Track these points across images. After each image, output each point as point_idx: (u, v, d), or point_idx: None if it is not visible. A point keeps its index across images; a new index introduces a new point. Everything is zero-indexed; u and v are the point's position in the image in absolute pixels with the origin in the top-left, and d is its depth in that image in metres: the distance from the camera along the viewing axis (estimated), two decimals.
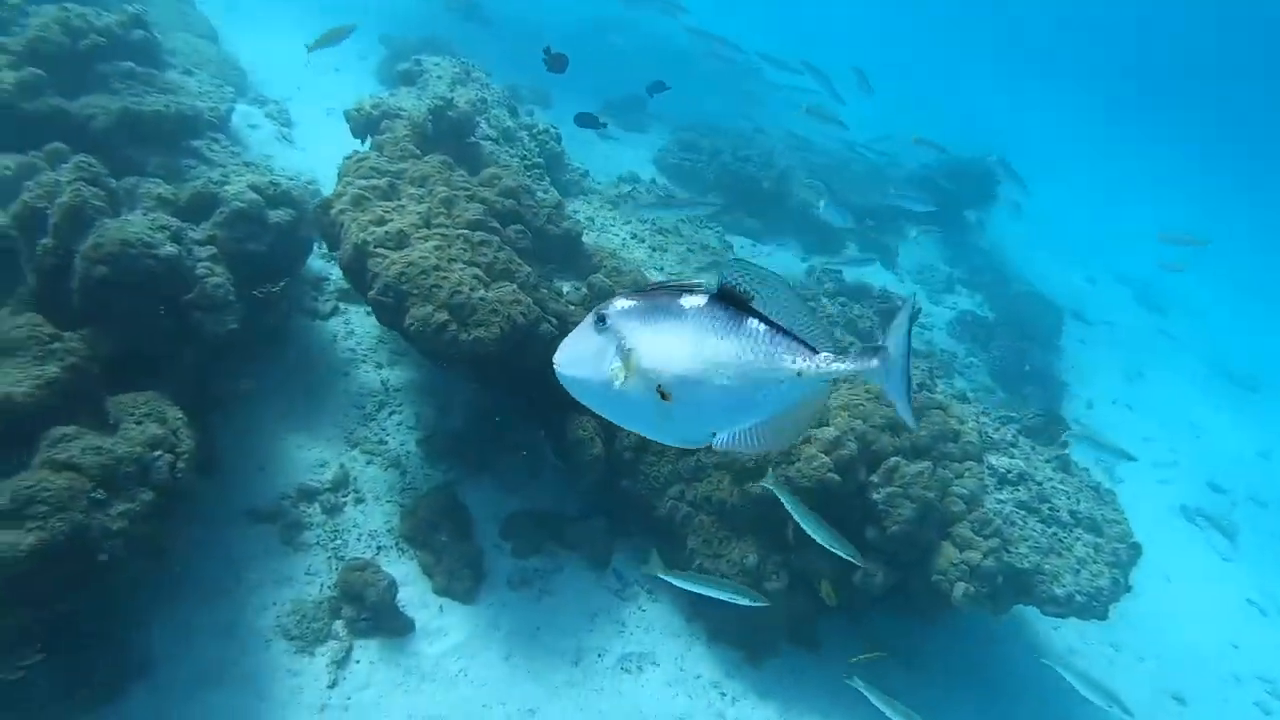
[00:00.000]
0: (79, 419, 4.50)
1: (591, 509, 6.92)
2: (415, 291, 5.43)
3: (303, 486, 6.10)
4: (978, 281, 13.43)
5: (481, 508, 6.65)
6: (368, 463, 6.60)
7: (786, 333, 2.07)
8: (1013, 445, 6.91)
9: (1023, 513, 6.25)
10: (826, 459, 5.88)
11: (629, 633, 6.37)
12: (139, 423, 4.55)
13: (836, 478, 5.84)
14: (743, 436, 2.15)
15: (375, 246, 5.64)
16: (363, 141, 7.73)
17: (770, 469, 5.93)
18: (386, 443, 6.81)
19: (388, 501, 6.38)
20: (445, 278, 5.53)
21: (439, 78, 8.53)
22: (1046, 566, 5.84)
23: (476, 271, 5.76)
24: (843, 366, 2.09)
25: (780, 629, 6.63)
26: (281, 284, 6.26)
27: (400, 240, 5.76)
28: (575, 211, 8.67)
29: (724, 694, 6.26)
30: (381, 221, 5.85)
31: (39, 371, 4.37)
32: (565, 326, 6.34)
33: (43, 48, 6.44)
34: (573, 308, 6.76)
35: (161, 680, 4.73)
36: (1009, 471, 6.51)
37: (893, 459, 6.01)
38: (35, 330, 4.53)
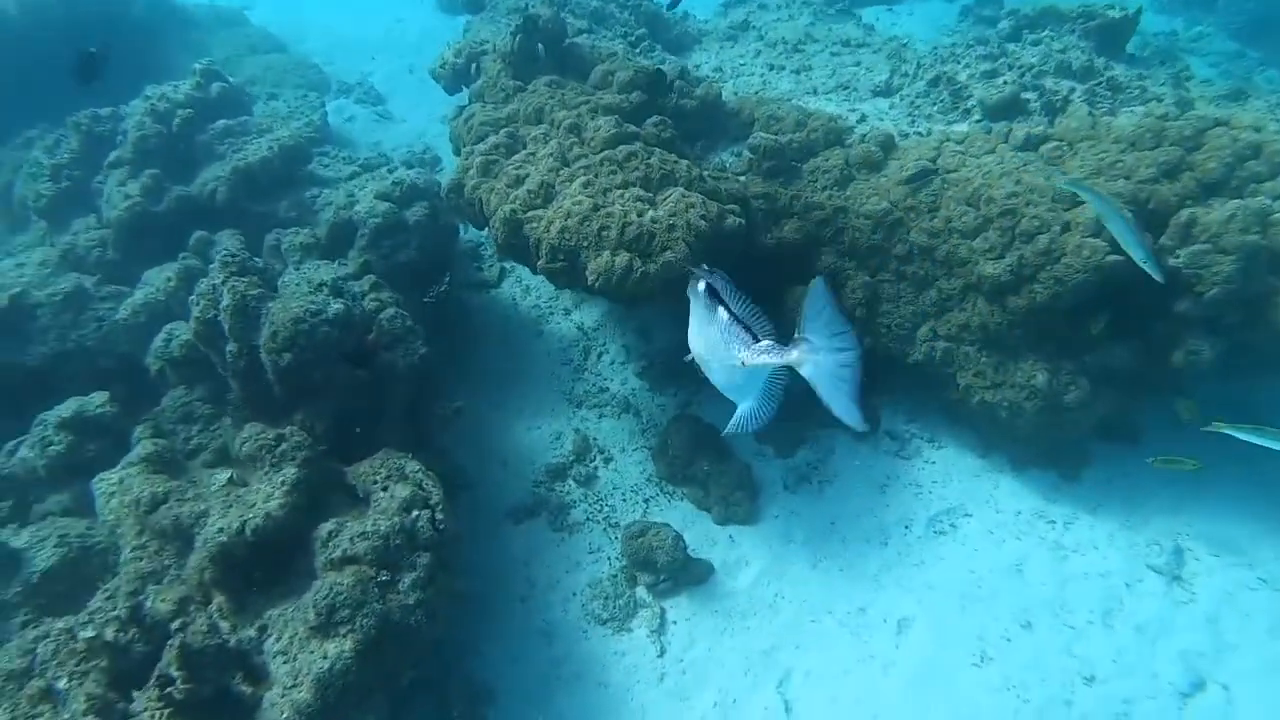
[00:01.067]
0: (330, 503, 4.49)
1: None
2: (585, 244, 4.90)
3: (550, 467, 5.98)
4: None
5: (727, 418, 6.27)
6: (599, 418, 6.36)
7: (739, 321, 2.14)
8: None
9: None
10: (1097, 241, 4.88)
11: (927, 492, 5.87)
12: (385, 488, 4.46)
13: (1117, 259, 4.85)
14: (760, 411, 2.28)
15: (525, 212, 5.14)
16: (460, 94, 7.14)
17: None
18: (608, 388, 6.54)
19: (635, 450, 6.15)
20: (609, 214, 4.95)
21: None
22: None
23: (637, 192, 5.14)
24: (767, 359, 2.08)
25: (1088, 433, 5.88)
26: (445, 281, 5.99)
27: (546, 193, 5.22)
28: (699, 66, 7.70)
29: (1052, 522, 5.67)
30: (519, 181, 5.32)
31: (281, 478, 4.34)
32: (748, 206, 5.63)
33: (145, 144, 6.38)
34: (743, 179, 6.00)
35: (509, 702, 4.84)
36: None
37: (1184, 212, 4.90)
38: (260, 439, 4.49)
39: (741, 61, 7.48)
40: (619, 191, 5.11)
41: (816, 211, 5.77)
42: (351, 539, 4.16)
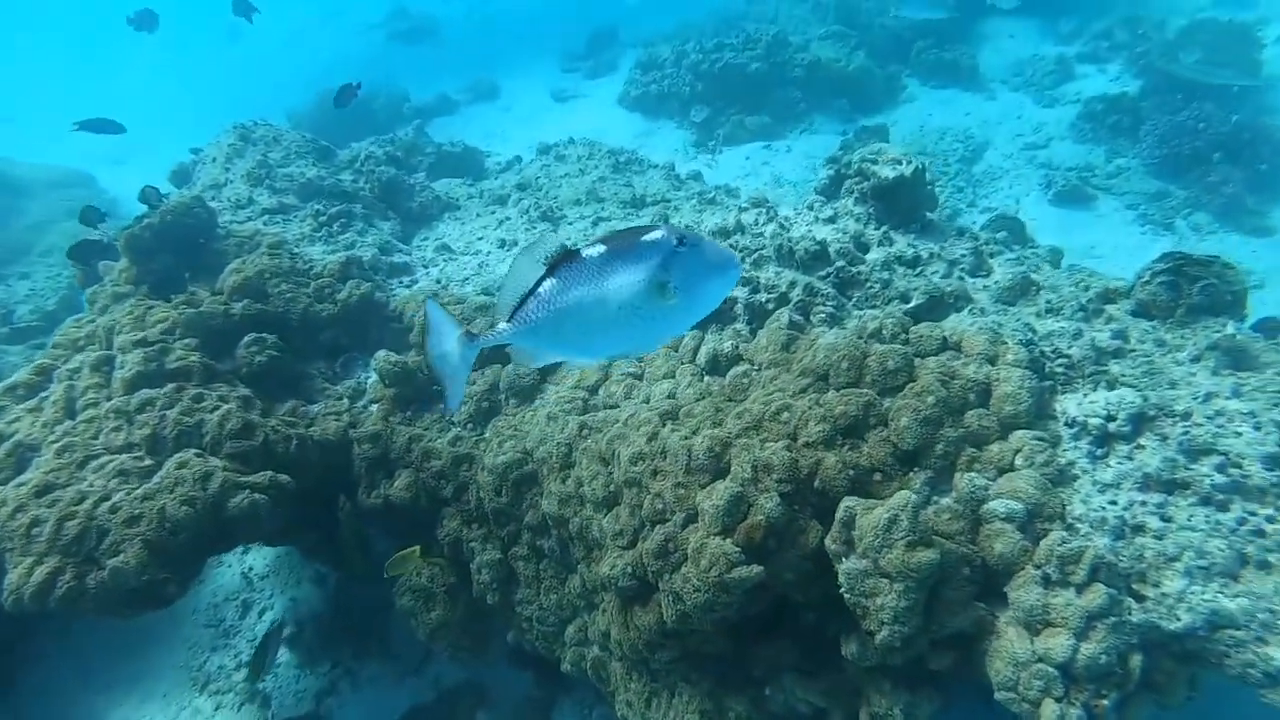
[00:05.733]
0: None
1: (517, 666, 4.79)
2: (10, 544, 3.60)
3: None
4: (1111, 46, 9.27)
5: (381, 713, 4.75)
6: (215, 710, 4.92)
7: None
8: (1117, 352, 3.72)
9: (1159, 499, 3.16)
10: (724, 544, 3.26)
11: None
12: None
13: (753, 571, 3.21)
14: None
15: None
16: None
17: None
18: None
19: None
20: (58, 499, 3.66)
21: (213, 160, 6.73)
22: (1234, 610, 2.78)
23: (124, 460, 3.84)
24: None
25: None
26: None
27: (19, 462, 3.98)
28: (439, 238, 6.44)
29: None
30: None
31: None
32: (348, 455, 4.27)
33: None
34: (374, 409, 4.66)
35: None
36: (1111, 416, 3.39)
37: (844, 504, 3.22)
38: None
39: (478, 237, 6.21)
40: (103, 460, 3.83)
41: (434, 461, 4.32)
42: None
